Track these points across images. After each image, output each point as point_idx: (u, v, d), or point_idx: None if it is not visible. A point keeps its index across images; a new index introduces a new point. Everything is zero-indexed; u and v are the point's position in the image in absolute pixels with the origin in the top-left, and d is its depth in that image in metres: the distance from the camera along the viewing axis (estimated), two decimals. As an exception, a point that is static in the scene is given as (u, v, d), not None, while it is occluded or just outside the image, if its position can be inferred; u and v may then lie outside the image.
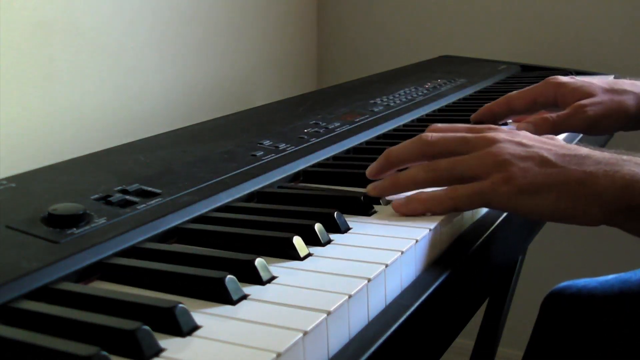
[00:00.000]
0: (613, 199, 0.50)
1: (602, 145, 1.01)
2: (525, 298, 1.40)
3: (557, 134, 0.74)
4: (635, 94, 0.77)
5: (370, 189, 0.58)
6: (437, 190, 0.55)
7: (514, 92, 0.81)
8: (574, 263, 1.64)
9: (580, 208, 0.51)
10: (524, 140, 0.55)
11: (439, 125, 0.62)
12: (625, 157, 0.52)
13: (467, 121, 0.86)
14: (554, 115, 0.74)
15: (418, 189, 0.57)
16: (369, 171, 0.60)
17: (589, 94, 0.76)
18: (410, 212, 0.54)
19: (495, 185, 0.52)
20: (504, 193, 0.52)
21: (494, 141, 0.55)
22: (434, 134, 0.58)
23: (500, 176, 0.52)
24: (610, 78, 1.18)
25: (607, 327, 0.79)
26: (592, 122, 0.74)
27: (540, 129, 0.71)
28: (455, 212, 0.55)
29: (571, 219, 0.52)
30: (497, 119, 0.82)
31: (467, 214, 0.57)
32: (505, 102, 0.81)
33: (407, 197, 0.55)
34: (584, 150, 0.54)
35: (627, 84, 0.79)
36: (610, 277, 0.86)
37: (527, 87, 0.81)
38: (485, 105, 0.82)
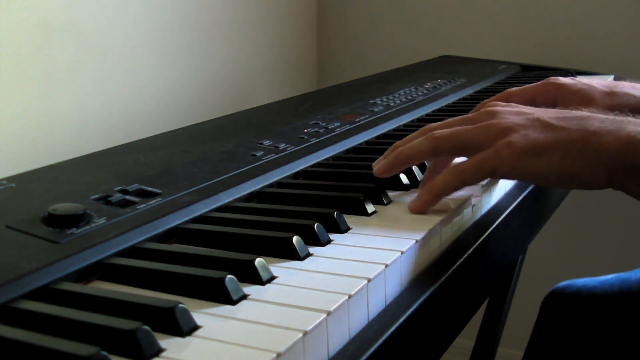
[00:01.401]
0: (618, 155, 0.49)
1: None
2: (525, 298, 1.40)
3: None
4: (636, 97, 0.77)
5: (376, 170, 0.58)
6: (441, 174, 0.55)
7: (514, 88, 0.81)
8: (574, 263, 1.64)
9: (585, 167, 0.50)
10: (524, 109, 0.56)
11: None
12: (630, 118, 0.52)
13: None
14: None
15: (422, 159, 0.58)
16: (379, 170, 0.59)
17: (589, 98, 0.76)
18: (424, 205, 0.54)
19: (499, 151, 0.52)
20: (508, 157, 0.52)
21: (494, 113, 0.56)
22: (438, 123, 0.60)
23: (502, 142, 0.52)
24: (610, 79, 1.18)
25: (607, 326, 0.79)
26: None
27: None
28: (455, 213, 0.55)
29: (576, 180, 0.51)
30: None
31: (467, 214, 0.57)
32: (504, 98, 0.81)
33: (417, 194, 0.55)
34: (585, 113, 0.54)
35: (627, 86, 0.79)
36: (610, 276, 0.86)
37: (528, 85, 0.81)
38: (484, 100, 0.83)
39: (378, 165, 0.59)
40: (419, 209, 0.54)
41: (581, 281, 0.86)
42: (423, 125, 0.86)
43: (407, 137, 0.60)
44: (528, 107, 0.57)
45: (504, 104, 0.59)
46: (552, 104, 0.80)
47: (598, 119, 0.52)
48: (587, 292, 0.84)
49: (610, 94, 0.77)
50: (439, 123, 0.59)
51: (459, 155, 0.57)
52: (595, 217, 1.61)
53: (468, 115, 0.59)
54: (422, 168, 0.65)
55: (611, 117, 0.52)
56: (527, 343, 0.88)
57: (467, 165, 0.54)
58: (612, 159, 0.50)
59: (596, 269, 1.58)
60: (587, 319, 0.81)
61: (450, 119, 0.59)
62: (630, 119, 0.52)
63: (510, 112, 0.56)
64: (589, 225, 1.63)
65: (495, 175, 0.55)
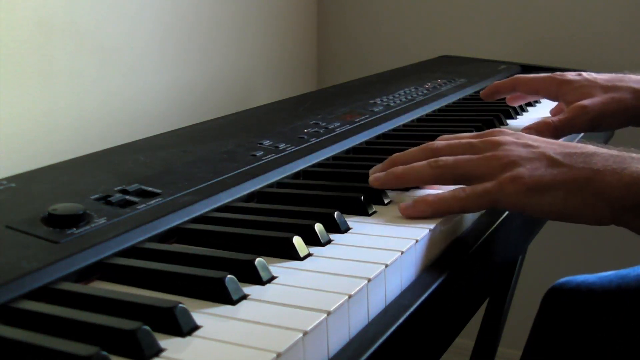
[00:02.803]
0: (620, 196, 0.49)
1: (605, 142, 1.01)
2: (525, 297, 1.40)
3: (558, 137, 0.74)
4: (635, 90, 0.77)
5: (372, 181, 0.58)
6: (444, 193, 0.54)
7: (523, 75, 0.85)
8: (574, 262, 1.64)
9: (588, 206, 0.51)
10: (530, 142, 0.55)
11: (444, 136, 0.62)
12: (633, 155, 0.52)
13: (467, 120, 0.86)
14: (555, 119, 0.75)
15: (422, 184, 0.57)
16: (375, 180, 0.58)
17: (590, 94, 0.76)
18: (417, 214, 0.53)
19: (503, 185, 0.52)
20: (511, 192, 0.51)
21: (499, 144, 0.55)
22: (440, 142, 0.59)
23: (507, 176, 0.52)
24: (616, 74, 1.18)
25: (605, 321, 0.79)
26: (593, 123, 0.75)
27: (542, 135, 0.72)
28: (455, 214, 0.55)
29: (580, 217, 0.52)
30: (501, 97, 0.90)
31: (467, 214, 0.57)
32: (511, 85, 0.86)
33: (414, 200, 0.54)
34: (591, 148, 0.54)
35: (633, 79, 0.79)
36: (609, 273, 0.86)
37: (535, 76, 0.83)
38: (495, 82, 0.88)
39: (374, 177, 0.58)
40: (410, 216, 0.53)
41: (580, 277, 0.87)
42: (423, 125, 0.87)
43: (408, 153, 0.59)
44: (534, 138, 0.57)
45: (510, 132, 0.58)
46: (554, 99, 0.82)
47: (602, 157, 0.52)
48: (585, 288, 0.84)
49: (612, 88, 0.77)
50: (443, 144, 0.58)
51: (460, 184, 0.55)
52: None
53: (473, 141, 0.58)
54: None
55: (615, 153, 0.52)
56: (527, 339, 0.88)
57: (470, 194, 0.53)
58: (615, 198, 0.50)
59: (596, 267, 1.58)
60: (585, 315, 0.81)
61: (454, 142, 0.58)
62: (634, 155, 0.52)
63: (516, 143, 0.55)
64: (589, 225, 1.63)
65: (496, 207, 0.54)
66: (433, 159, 0.56)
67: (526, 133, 0.71)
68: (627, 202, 0.50)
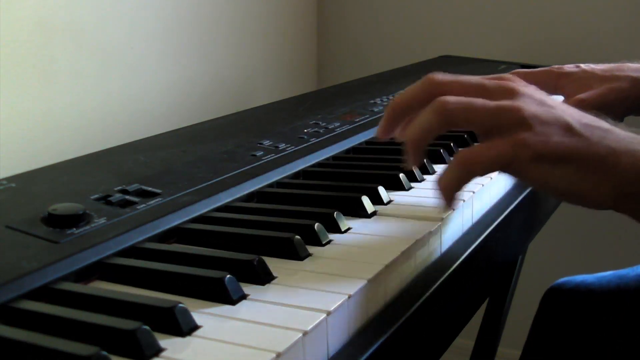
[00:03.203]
0: (632, 179, 0.46)
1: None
2: (524, 297, 1.40)
3: None
4: (634, 79, 0.77)
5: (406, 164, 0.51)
6: (450, 167, 0.48)
7: (521, 70, 0.84)
8: (574, 262, 1.64)
9: (595, 187, 0.47)
10: (546, 100, 0.50)
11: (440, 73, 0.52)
12: None
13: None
14: None
15: (434, 136, 0.49)
16: (379, 131, 0.53)
17: (588, 86, 0.77)
18: (447, 206, 0.49)
19: (517, 148, 0.46)
20: (524, 158, 0.46)
21: (515, 93, 0.49)
22: (446, 75, 0.51)
23: (521, 138, 0.47)
24: (614, 64, 1.18)
25: (604, 321, 0.79)
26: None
27: None
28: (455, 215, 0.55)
29: (582, 198, 0.48)
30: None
31: (467, 215, 0.57)
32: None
33: (437, 184, 0.49)
34: (606, 124, 0.49)
35: (631, 68, 0.79)
36: (608, 273, 0.86)
37: (533, 70, 0.83)
38: (492, 75, 0.85)
39: (409, 163, 0.51)
40: (446, 212, 0.51)
41: (579, 277, 0.87)
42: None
43: (409, 90, 0.51)
44: (552, 98, 0.51)
45: (525, 83, 0.52)
46: (553, 92, 0.82)
47: (617, 136, 0.48)
48: (585, 288, 0.84)
49: (611, 78, 0.77)
50: (449, 77, 0.51)
51: (470, 129, 0.50)
52: (595, 215, 1.61)
53: (486, 82, 0.51)
54: (421, 168, 0.65)
55: (631, 134, 0.49)
56: (526, 338, 0.88)
57: (478, 158, 0.47)
58: (624, 182, 0.46)
59: (596, 266, 1.58)
60: (584, 315, 0.82)
61: (462, 79, 0.51)
62: None
63: (533, 97, 0.49)
64: (589, 224, 1.63)
65: (505, 171, 0.49)
66: (439, 101, 0.48)
67: None
68: (635, 188, 0.46)
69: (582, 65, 0.81)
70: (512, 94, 0.49)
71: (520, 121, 0.47)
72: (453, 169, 0.48)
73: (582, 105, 0.74)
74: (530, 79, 0.83)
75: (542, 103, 0.49)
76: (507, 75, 0.54)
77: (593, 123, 0.49)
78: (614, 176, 0.47)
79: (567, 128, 0.48)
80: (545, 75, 0.82)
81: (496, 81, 0.51)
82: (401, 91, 0.51)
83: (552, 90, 0.83)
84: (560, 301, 0.86)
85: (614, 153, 0.47)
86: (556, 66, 0.83)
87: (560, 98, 0.75)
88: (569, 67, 0.81)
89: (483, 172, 0.49)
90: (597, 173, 0.47)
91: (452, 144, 0.72)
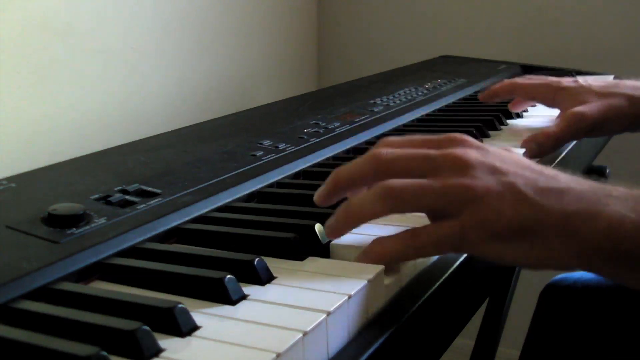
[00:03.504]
0: (595, 244, 0.43)
1: (602, 147, 1.01)
2: (524, 297, 1.40)
3: (559, 147, 0.75)
4: (631, 97, 0.77)
5: (328, 232, 0.48)
6: (397, 239, 0.46)
7: (520, 81, 0.85)
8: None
9: (555, 253, 0.44)
10: (497, 164, 0.47)
11: (392, 138, 0.51)
12: (612, 192, 0.45)
13: (467, 120, 0.86)
14: (554, 129, 0.74)
15: (376, 218, 0.47)
16: (317, 197, 0.50)
17: (585, 101, 0.77)
18: (364, 260, 0.46)
19: (465, 230, 0.44)
20: (474, 240, 0.44)
21: (464, 165, 0.46)
22: (389, 150, 0.49)
23: (472, 219, 0.44)
24: (610, 79, 1.18)
25: (601, 318, 0.79)
26: (590, 129, 0.75)
27: (543, 147, 0.73)
28: None
29: (544, 265, 0.45)
30: (499, 100, 0.89)
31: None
32: (509, 90, 0.86)
33: (364, 250, 0.46)
34: (563, 181, 0.46)
35: (628, 86, 0.79)
36: None
37: (532, 82, 0.84)
38: (493, 87, 0.88)
39: (328, 226, 0.48)
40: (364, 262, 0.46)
41: (576, 274, 0.87)
42: (423, 125, 0.87)
43: (353, 166, 0.49)
44: (501, 156, 0.48)
45: (473, 143, 0.49)
46: (550, 105, 0.83)
47: (575, 196, 0.45)
48: (581, 284, 0.84)
49: (607, 94, 0.77)
50: (393, 154, 0.48)
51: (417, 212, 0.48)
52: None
53: (431, 153, 0.48)
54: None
55: (589, 190, 0.45)
56: (525, 336, 0.89)
57: (427, 238, 0.46)
58: (587, 247, 0.43)
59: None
60: (582, 312, 0.82)
61: (408, 152, 0.48)
62: (614, 191, 0.45)
63: (484, 166, 0.46)
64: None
65: (456, 252, 0.48)
66: (384, 187, 0.46)
67: (526, 146, 0.72)
68: (601, 251, 0.43)
69: (580, 80, 0.81)
70: (460, 165, 0.46)
71: (469, 199, 0.45)
72: (400, 243, 0.46)
73: (582, 119, 0.74)
74: (530, 92, 0.84)
75: (493, 171, 0.46)
76: (452, 137, 0.50)
77: (549, 185, 0.46)
78: (575, 241, 0.44)
79: (520, 197, 0.45)
80: (544, 89, 0.82)
81: (442, 152, 0.48)
82: (345, 164, 0.50)
83: (549, 104, 0.84)
84: (557, 298, 0.86)
85: (572, 217, 0.44)
86: (555, 79, 0.83)
87: (520, 151, 0.71)
88: (567, 82, 0.82)
89: (430, 253, 0.47)
90: (555, 242, 0.44)
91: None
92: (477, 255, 0.46)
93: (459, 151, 0.47)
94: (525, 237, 0.44)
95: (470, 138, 0.50)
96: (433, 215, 0.47)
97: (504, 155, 0.49)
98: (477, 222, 0.44)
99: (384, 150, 0.48)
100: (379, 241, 0.46)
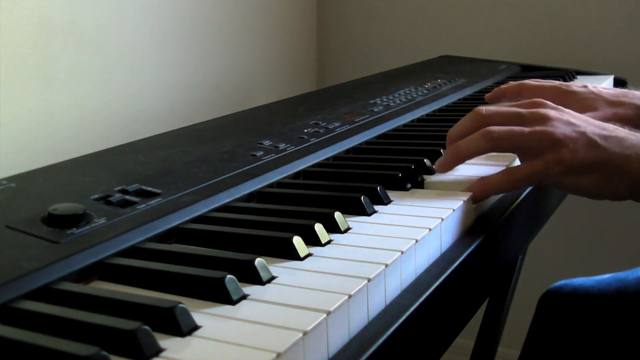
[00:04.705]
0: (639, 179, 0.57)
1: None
2: (524, 298, 1.40)
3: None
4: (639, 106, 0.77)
5: (437, 168, 0.64)
6: (495, 175, 0.60)
7: (529, 81, 0.86)
8: (573, 262, 1.64)
9: (613, 187, 0.58)
10: (572, 119, 0.61)
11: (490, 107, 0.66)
12: None
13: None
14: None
15: (478, 155, 0.62)
16: (439, 165, 0.64)
17: (593, 107, 0.76)
18: (479, 198, 0.59)
19: (549, 166, 0.58)
20: (556, 173, 0.58)
21: (546, 118, 0.61)
22: (488, 107, 0.64)
23: (553, 157, 0.58)
24: (610, 79, 1.18)
25: (603, 326, 0.79)
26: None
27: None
28: (464, 208, 0.56)
29: (604, 195, 0.59)
30: (505, 100, 0.90)
31: (468, 215, 0.57)
32: (517, 91, 0.87)
33: (470, 186, 0.60)
34: (621, 132, 0.60)
35: (637, 96, 0.78)
36: (607, 276, 0.86)
37: (541, 84, 0.83)
38: (501, 87, 0.89)
39: (439, 163, 0.64)
40: (477, 200, 0.59)
41: (577, 281, 0.86)
42: (423, 125, 0.87)
43: (460, 124, 0.64)
44: (574, 114, 0.62)
45: (552, 105, 0.64)
46: None
47: (630, 143, 0.59)
48: (583, 292, 0.84)
49: (617, 103, 0.77)
50: (492, 110, 0.63)
51: (511, 152, 0.63)
52: (594, 217, 1.61)
53: (522, 111, 0.62)
54: (421, 168, 0.65)
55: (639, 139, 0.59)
56: (523, 343, 0.88)
57: (520, 174, 0.59)
58: (634, 182, 0.58)
59: (595, 268, 1.58)
60: (583, 319, 0.81)
61: (503, 110, 0.63)
62: None
63: (561, 120, 0.60)
64: (588, 225, 1.63)
65: (542, 184, 0.61)
66: (486, 130, 0.60)
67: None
68: None
69: (589, 86, 0.81)
70: (544, 119, 0.60)
71: (552, 143, 0.58)
72: (500, 178, 0.60)
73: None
74: (538, 94, 0.84)
75: (569, 124, 0.60)
76: (536, 101, 0.65)
77: (611, 134, 0.60)
78: (627, 178, 0.58)
79: (591, 143, 0.59)
80: (553, 92, 0.81)
81: (530, 110, 0.62)
82: (455, 125, 0.65)
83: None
84: (558, 306, 0.85)
85: (627, 159, 0.58)
86: (564, 83, 0.82)
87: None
88: (577, 86, 0.81)
89: (523, 186, 0.62)
90: (615, 178, 0.58)
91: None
92: (558, 186, 0.60)
93: (542, 110, 0.62)
94: (594, 172, 0.58)
95: (549, 102, 0.65)
96: (522, 156, 0.61)
97: (575, 114, 0.63)
98: (557, 159, 0.58)
99: (483, 109, 0.64)
100: (483, 178, 0.60)
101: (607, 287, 0.83)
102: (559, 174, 0.58)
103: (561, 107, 0.64)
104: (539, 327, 0.87)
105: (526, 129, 0.60)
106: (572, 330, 0.81)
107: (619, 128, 0.61)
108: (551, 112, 0.61)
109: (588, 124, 0.61)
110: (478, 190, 0.59)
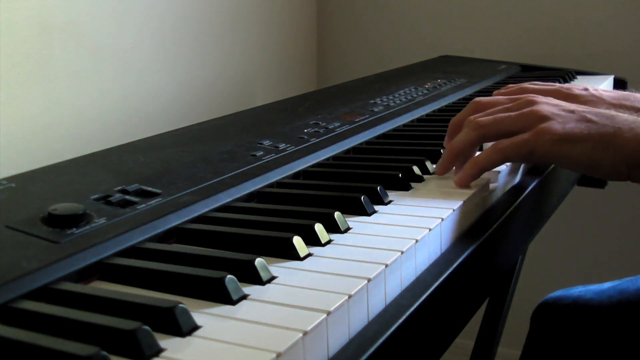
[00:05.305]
0: (634, 152, 0.56)
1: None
2: (524, 298, 1.40)
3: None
4: None
5: (436, 170, 0.64)
6: (484, 151, 0.60)
7: (529, 84, 0.84)
8: (573, 263, 1.64)
9: (609, 159, 0.57)
10: (561, 103, 0.62)
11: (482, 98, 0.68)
12: None
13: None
14: None
15: (473, 148, 0.63)
16: (438, 171, 0.65)
17: None
18: (470, 178, 0.60)
19: (539, 135, 0.58)
20: (546, 141, 0.58)
21: (534, 102, 0.62)
22: (485, 97, 0.67)
23: (542, 127, 0.58)
24: (610, 79, 1.18)
25: (606, 341, 0.77)
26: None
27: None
28: (464, 208, 0.55)
29: (602, 170, 0.58)
30: None
31: (468, 215, 0.57)
32: (517, 93, 0.87)
33: (462, 169, 0.60)
34: (613, 112, 0.61)
35: (639, 99, 0.78)
36: (607, 286, 0.84)
37: (542, 87, 0.82)
38: (500, 90, 0.86)
39: (436, 167, 0.65)
40: (465, 182, 0.60)
41: (576, 291, 0.84)
42: (423, 125, 0.87)
43: (462, 113, 0.67)
44: (565, 103, 0.63)
45: (542, 96, 0.65)
46: None
47: (623, 118, 0.59)
48: (583, 304, 0.81)
49: (618, 106, 0.76)
50: (485, 98, 0.66)
51: (501, 139, 0.62)
52: (594, 219, 1.61)
53: (508, 104, 0.64)
54: (421, 168, 0.65)
55: (633, 117, 0.59)
56: (520, 357, 0.86)
57: (509, 143, 0.59)
58: (629, 155, 0.56)
59: (594, 271, 1.58)
60: (584, 333, 0.79)
61: (497, 97, 0.67)
62: None
63: (549, 103, 0.61)
64: (588, 227, 1.63)
65: (532, 157, 0.60)
66: (473, 122, 0.62)
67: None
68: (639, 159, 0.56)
69: (590, 89, 0.80)
70: (530, 103, 0.62)
71: (539, 118, 0.59)
72: (489, 153, 0.60)
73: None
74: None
75: (557, 105, 0.61)
76: (526, 94, 0.66)
77: (600, 111, 0.60)
78: (622, 149, 0.56)
79: (580, 117, 0.59)
80: (554, 94, 0.80)
81: (517, 101, 0.64)
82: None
83: None
84: (556, 319, 0.83)
85: (620, 130, 0.57)
86: (565, 86, 0.81)
87: None
88: (578, 89, 0.80)
89: (514, 157, 0.61)
90: (609, 148, 0.57)
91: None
92: (549, 157, 0.59)
93: (530, 96, 0.64)
94: (586, 142, 0.57)
95: (538, 95, 0.66)
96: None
97: (565, 102, 0.63)
98: (547, 130, 0.58)
99: (481, 97, 0.67)
100: (473, 158, 0.61)
101: (609, 299, 0.80)
102: (548, 142, 0.58)
103: (551, 98, 0.64)
104: (537, 341, 0.85)
105: (513, 113, 0.61)
106: (574, 346, 0.79)
107: (612, 111, 0.61)
108: (539, 97, 0.63)
109: (578, 106, 0.62)
110: (470, 168, 0.59)
